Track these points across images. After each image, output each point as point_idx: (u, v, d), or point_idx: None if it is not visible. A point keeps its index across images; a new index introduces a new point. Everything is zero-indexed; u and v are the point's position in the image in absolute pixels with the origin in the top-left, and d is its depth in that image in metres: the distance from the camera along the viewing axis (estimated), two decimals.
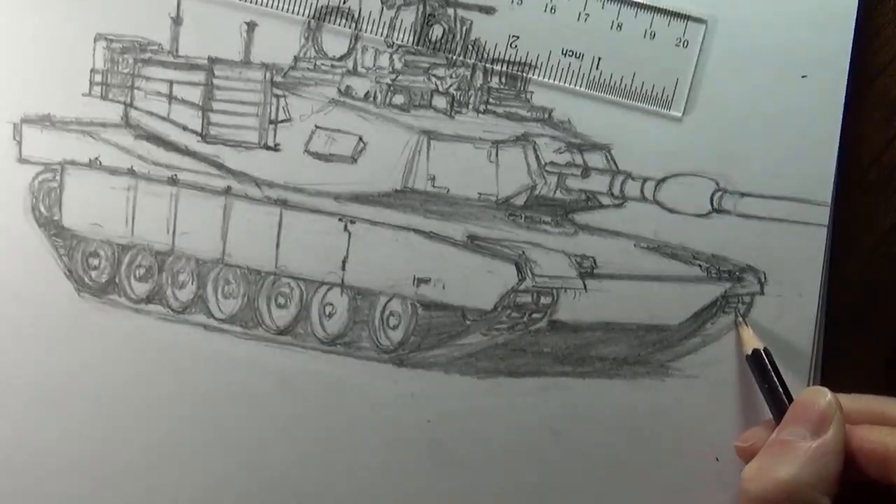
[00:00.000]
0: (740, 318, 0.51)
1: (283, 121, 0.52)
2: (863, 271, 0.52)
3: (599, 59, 0.50)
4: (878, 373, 0.52)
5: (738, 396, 0.52)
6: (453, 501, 0.52)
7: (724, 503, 0.52)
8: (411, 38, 0.51)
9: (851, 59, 0.50)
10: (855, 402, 0.46)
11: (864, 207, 0.52)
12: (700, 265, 0.51)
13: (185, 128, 0.52)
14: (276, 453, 0.52)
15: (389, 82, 0.51)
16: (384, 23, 0.51)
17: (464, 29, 0.51)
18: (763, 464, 0.44)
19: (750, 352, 0.49)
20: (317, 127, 0.52)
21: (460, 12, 0.51)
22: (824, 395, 0.45)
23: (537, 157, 0.51)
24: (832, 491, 0.43)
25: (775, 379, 0.48)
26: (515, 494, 0.52)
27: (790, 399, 0.47)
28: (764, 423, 0.49)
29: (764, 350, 0.49)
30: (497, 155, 0.51)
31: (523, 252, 0.51)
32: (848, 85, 0.50)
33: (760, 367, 0.48)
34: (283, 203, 0.52)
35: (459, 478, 0.52)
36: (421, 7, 0.51)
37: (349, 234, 0.51)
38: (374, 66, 0.51)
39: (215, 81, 0.52)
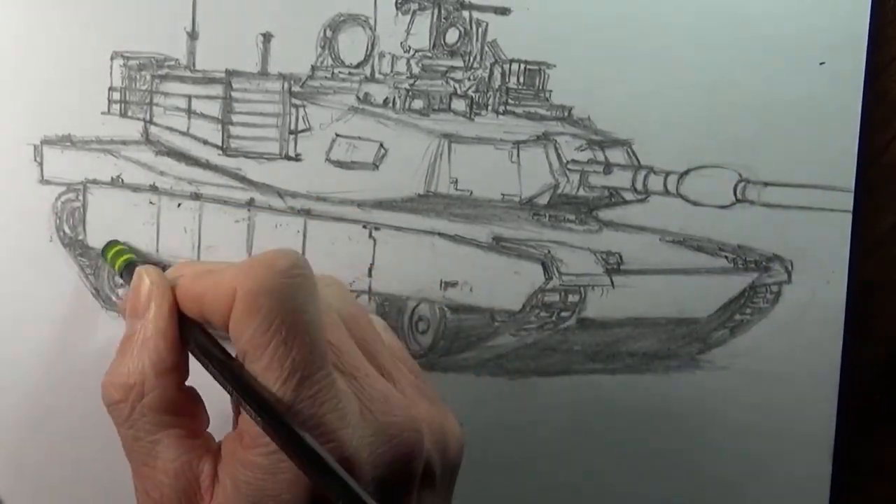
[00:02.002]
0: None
1: (303, 130, 0.52)
2: (862, 272, 0.52)
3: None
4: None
5: (769, 386, 0.52)
6: None
7: (762, 496, 0.51)
8: (428, 43, 0.51)
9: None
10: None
11: (864, 208, 0.51)
12: (726, 256, 0.51)
13: (205, 142, 0.52)
14: None
15: (408, 87, 0.51)
16: (400, 28, 0.51)
17: (479, 31, 0.51)
18: (111, 365, 0.40)
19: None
20: (337, 135, 0.52)
21: (475, 14, 0.51)
22: (140, 277, 0.39)
23: (559, 156, 0.51)
24: (170, 371, 0.38)
25: None
26: (551, 494, 0.52)
27: None
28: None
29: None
30: (518, 155, 0.51)
31: (549, 251, 0.51)
32: None
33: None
34: (307, 213, 0.52)
35: (494, 481, 0.52)
36: (436, 11, 0.51)
37: (374, 240, 0.51)
38: (391, 71, 0.51)
39: (233, 94, 0.52)
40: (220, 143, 0.52)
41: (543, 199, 0.51)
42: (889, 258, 0.51)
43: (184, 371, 0.38)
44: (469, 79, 0.51)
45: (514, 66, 0.51)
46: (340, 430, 0.34)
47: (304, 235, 0.52)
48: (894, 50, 0.50)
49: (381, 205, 0.51)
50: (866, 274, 0.51)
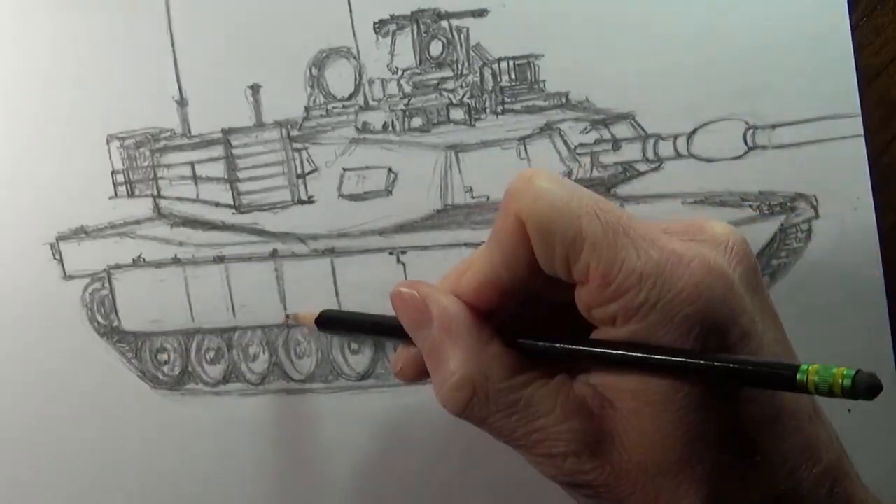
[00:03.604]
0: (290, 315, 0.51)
1: (309, 172, 0.52)
2: (876, 200, 0.52)
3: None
4: None
5: (819, 323, 0.51)
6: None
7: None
8: (413, 60, 0.51)
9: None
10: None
11: (868, 144, 0.51)
12: (750, 205, 0.51)
13: (217, 204, 0.52)
14: (385, 494, 0.52)
15: (404, 108, 0.51)
16: (383, 51, 0.51)
17: (462, 37, 0.51)
18: (435, 382, 0.37)
19: (316, 318, 0.47)
20: (344, 170, 0.52)
21: (454, 22, 0.51)
22: (400, 294, 0.39)
23: (565, 143, 0.51)
24: (491, 337, 0.36)
25: (357, 321, 0.46)
26: None
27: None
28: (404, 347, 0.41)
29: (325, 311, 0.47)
30: (526, 150, 0.51)
31: None
32: None
33: (336, 323, 0.47)
34: (332, 252, 0.52)
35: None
36: (415, 27, 0.51)
37: (403, 265, 0.51)
38: (384, 96, 0.51)
39: (234, 151, 0.52)
40: (231, 202, 0.52)
41: None
42: (890, 258, 0.51)
43: (499, 333, 0.37)
44: (462, 86, 0.51)
45: (504, 65, 0.51)
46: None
47: (334, 274, 0.52)
48: (894, 50, 0.51)
49: (402, 228, 0.51)
50: (883, 203, 0.51)
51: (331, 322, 0.47)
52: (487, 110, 0.51)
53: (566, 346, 0.35)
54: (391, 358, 0.47)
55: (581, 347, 0.35)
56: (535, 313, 0.38)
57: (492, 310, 0.37)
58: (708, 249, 0.34)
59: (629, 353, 0.33)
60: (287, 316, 0.51)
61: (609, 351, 0.34)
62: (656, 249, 0.33)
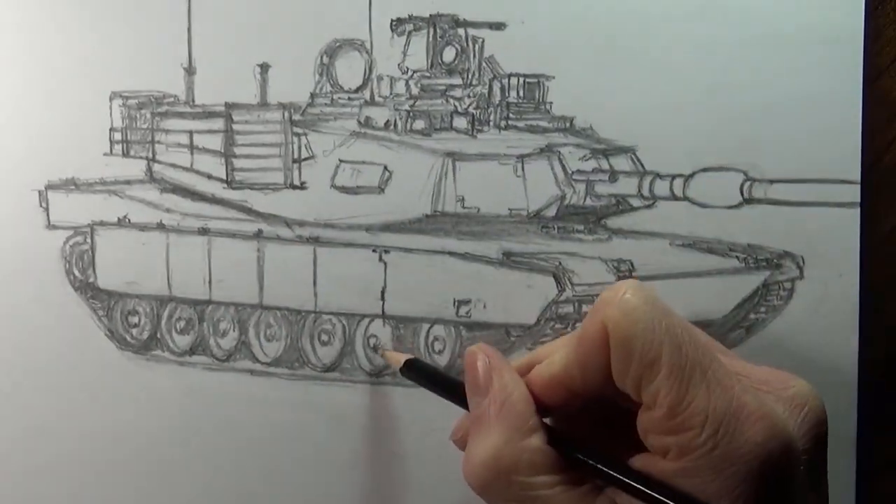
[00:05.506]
0: (382, 350, 0.51)
1: (306, 159, 0.52)
2: (862, 271, 0.52)
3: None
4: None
5: None
6: None
7: None
8: (425, 62, 0.51)
9: None
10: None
11: (866, 209, 0.51)
12: (737, 257, 0.51)
13: (209, 176, 0.52)
14: (335, 490, 0.52)
15: (408, 108, 0.51)
16: (396, 50, 0.51)
17: (476, 47, 0.51)
18: (467, 451, 0.39)
19: (402, 363, 0.47)
20: (341, 161, 0.52)
21: (471, 31, 0.51)
22: (473, 355, 0.40)
23: (563, 167, 0.51)
24: (533, 430, 0.37)
25: (436, 378, 0.45)
26: None
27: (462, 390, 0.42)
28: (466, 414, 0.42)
29: (413, 359, 0.47)
30: (523, 169, 0.51)
31: (560, 263, 0.51)
32: None
33: (419, 373, 0.46)
34: (316, 240, 0.52)
35: None
36: (431, 30, 0.51)
37: (385, 263, 0.51)
38: (390, 94, 0.51)
39: (235, 127, 0.52)
40: (224, 177, 0.52)
41: (551, 211, 0.51)
42: (892, 258, 0.51)
43: (544, 428, 0.38)
44: (469, 96, 0.51)
45: (513, 81, 0.51)
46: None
47: (315, 263, 0.52)
48: (894, 51, 0.50)
49: (389, 227, 0.51)
50: (869, 275, 0.51)
51: (415, 371, 0.46)
52: (491, 123, 0.51)
53: (606, 469, 0.36)
54: (454, 424, 0.43)
55: (620, 476, 0.35)
56: (592, 416, 0.39)
57: (556, 404, 0.38)
58: (781, 408, 0.35)
59: (664, 500, 0.33)
60: (375, 348, 0.52)
61: (645, 490, 0.34)
62: (728, 397, 0.33)
